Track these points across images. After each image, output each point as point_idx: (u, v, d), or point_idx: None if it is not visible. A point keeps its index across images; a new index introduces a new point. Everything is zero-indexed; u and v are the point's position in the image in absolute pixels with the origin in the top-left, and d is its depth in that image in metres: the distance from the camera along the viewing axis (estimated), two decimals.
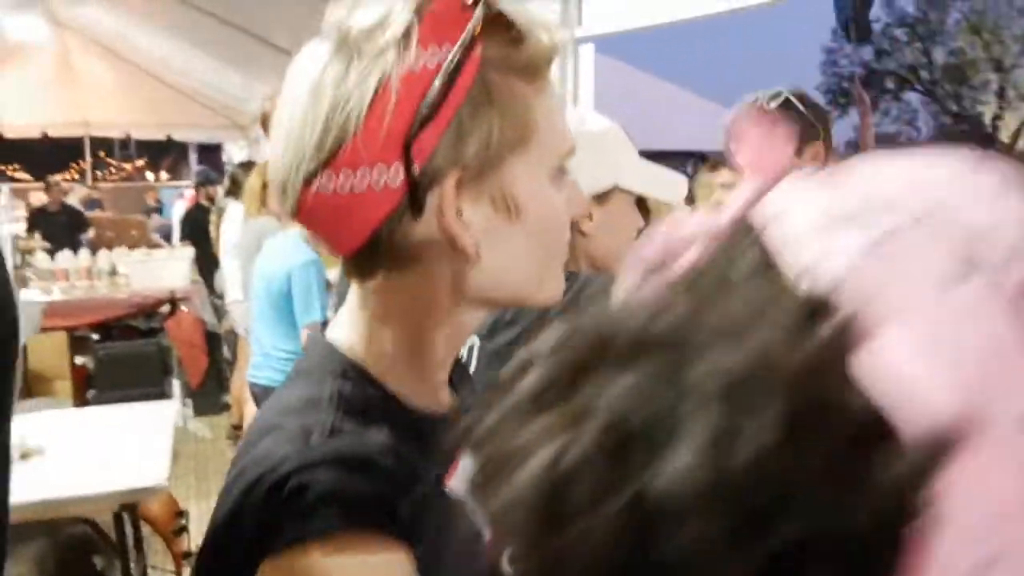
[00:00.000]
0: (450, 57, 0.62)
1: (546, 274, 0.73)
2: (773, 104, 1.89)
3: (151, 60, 9.67)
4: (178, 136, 12.89)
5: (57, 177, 13.09)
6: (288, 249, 3.05)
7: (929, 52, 25.10)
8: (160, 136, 12.41)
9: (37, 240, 7.97)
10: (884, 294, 0.31)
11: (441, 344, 0.73)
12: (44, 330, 4.73)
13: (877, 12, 25.09)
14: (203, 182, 8.35)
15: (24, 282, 5.39)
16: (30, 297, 5.04)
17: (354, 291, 0.73)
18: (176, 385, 5.41)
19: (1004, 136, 22.90)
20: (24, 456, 2.37)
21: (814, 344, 0.30)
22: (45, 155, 16.10)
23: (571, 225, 1.14)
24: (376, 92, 0.62)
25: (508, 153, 0.66)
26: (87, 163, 13.79)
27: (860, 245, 0.32)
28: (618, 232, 1.25)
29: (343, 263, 0.71)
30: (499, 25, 0.64)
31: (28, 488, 2.22)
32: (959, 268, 0.31)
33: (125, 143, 12.49)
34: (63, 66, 10.32)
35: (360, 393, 0.68)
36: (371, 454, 0.62)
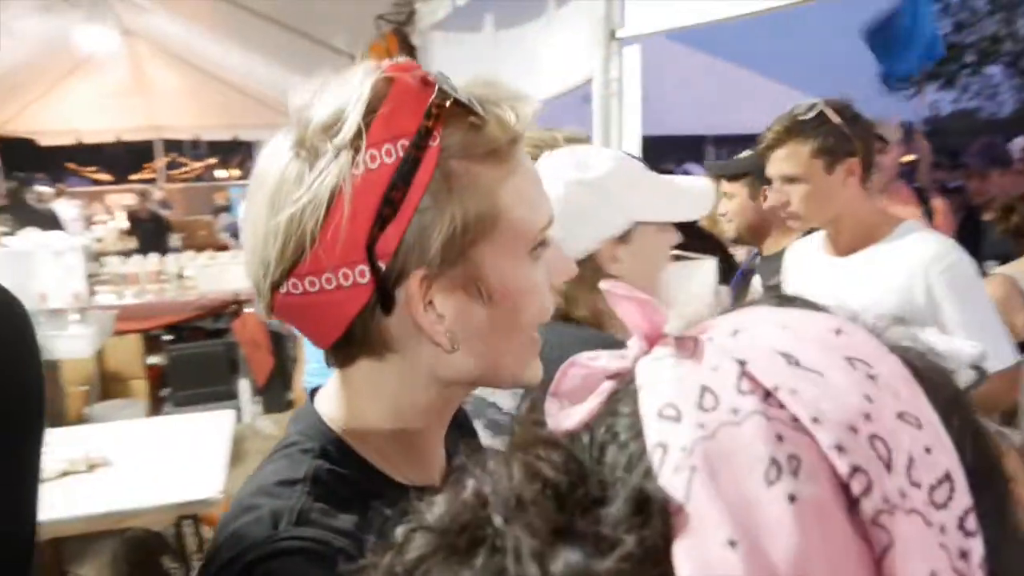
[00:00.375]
0: (405, 154, 0.61)
1: (526, 353, 0.72)
2: (808, 115, 1.83)
3: (216, 64, 9.93)
4: (244, 136, 13.21)
5: (134, 178, 13.55)
6: None
7: (1012, 22, 23.94)
8: (227, 137, 12.75)
9: (110, 244, 8.28)
10: (704, 493, 0.33)
11: (427, 421, 0.73)
12: (118, 333, 4.92)
13: None
14: None
15: (94, 287, 5.62)
16: (104, 301, 5.27)
17: (339, 371, 0.73)
18: (243, 384, 5.57)
19: None
20: (91, 468, 2.49)
21: (631, 549, 0.32)
22: (120, 158, 16.68)
23: (600, 273, 1.15)
24: (332, 199, 0.61)
25: (476, 241, 0.65)
26: (159, 164, 14.25)
27: (689, 440, 0.34)
28: (650, 260, 1.23)
29: (324, 352, 0.71)
30: (458, 112, 0.63)
31: (92, 499, 2.34)
32: (773, 473, 0.32)
33: (195, 144, 12.81)
34: (134, 73, 10.69)
35: (338, 473, 0.69)
36: (334, 543, 0.62)
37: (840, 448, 0.33)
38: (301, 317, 0.67)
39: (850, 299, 1.50)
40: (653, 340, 0.40)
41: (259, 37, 7.75)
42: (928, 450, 0.35)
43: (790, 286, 2.12)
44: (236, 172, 23.83)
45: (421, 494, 0.71)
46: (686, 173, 8.39)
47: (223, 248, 8.95)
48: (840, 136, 1.82)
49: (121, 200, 11.32)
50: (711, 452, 0.33)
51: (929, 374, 0.39)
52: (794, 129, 1.84)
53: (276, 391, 5.54)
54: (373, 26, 5.50)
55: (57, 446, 2.60)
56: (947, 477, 0.35)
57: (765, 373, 0.36)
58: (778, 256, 2.39)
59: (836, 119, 1.82)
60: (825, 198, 1.84)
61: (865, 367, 0.36)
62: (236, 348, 5.59)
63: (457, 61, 5.07)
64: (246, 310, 5.54)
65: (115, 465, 2.62)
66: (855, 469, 0.33)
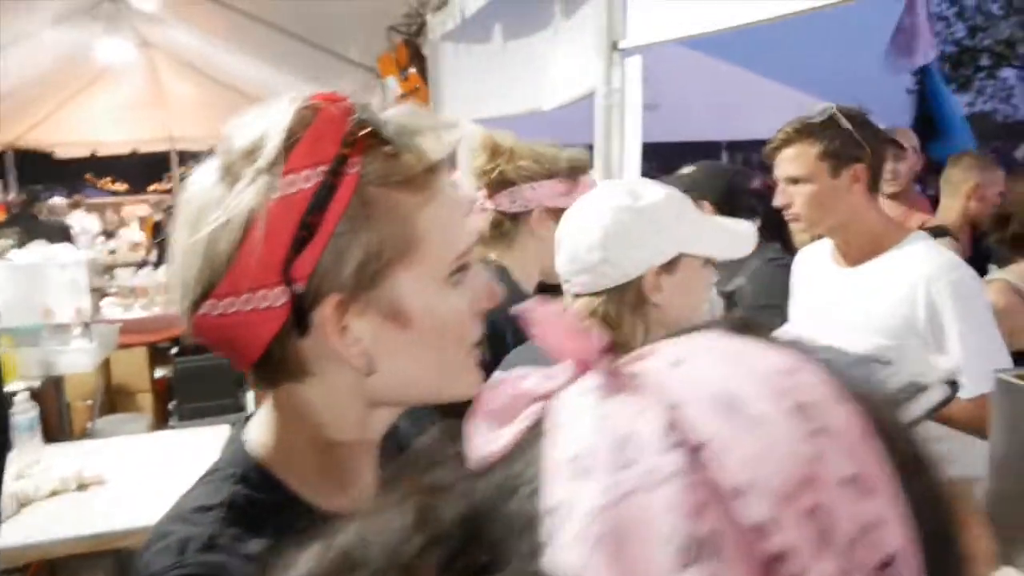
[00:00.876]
0: (323, 180, 0.63)
1: (452, 371, 0.72)
2: (819, 118, 1.82)
3: (231, 76, 10.01)
4: None
5: (151, 189, 13.64)
6: None
7: None
8: None
9: (122, 256, 8.33)
10: (604, 572, 0.29)
11: (353, 444, 0.74)
12: (124, 346, 4.93)
13: None
14: None
15: (100, 299, 5.64)
16: (110, 314, 5.29)
17: (266, 398, 0.75)
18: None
19: None
20: (82, 487, 2.47)
21: None
22: (136, 169, 16.83)
23: (643, 300, 1.16)
24: (248, 222, 0.63)
25: (392, 267, 0.66)
26: (175, 175, 14.36)
27: (596, 504, 0.31)
28: (691, 294, 1.24)
29: (247, 374, 0.73)
30: (377, 140, 0.65)
31: (80, 521, 2.28)
32: (687, 554, 0.29)
33: (211, 155, 12.86)
34: (151, 85, 10.80)
35: (255, 499, 0.70)
36: (235, 571, 0.64)
37: (771, 524, 0.29)
38: (220, 338, 0.68)
39: (855, 311, 1.49)
40: (585, 367, 0.36)
41: (274, 48, 7.81)
42: (875, 524, 0.31)
43: (797, 294, 2.09)
44: None
45: (332, 521, 0.71)
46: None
47: None
48: (849, 141, 1.80)
49: (136, 211, 11.38)
50: (619, 522, 0.30)
51: (891, 427, 0.35)
52: (803, 130, 1.84)
53: None
54: (384, 37, 5.52)
55: (56, 462, 2.59)
56: (893, 559, 0.31)
57: (698, 422, 0.32)
58: (728, 264, 2.41)
59: (846, 124, 1.81)
60: (828, 202, 1.83)
61: (816, 417, 0.32)
62: None
63: (466, 71, 5.08)
64: None
65: (110, 483, 2.59)
66: (785, 552, 0.29)
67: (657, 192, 1.21)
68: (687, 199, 1.26)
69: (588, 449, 0.32)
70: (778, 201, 1.90)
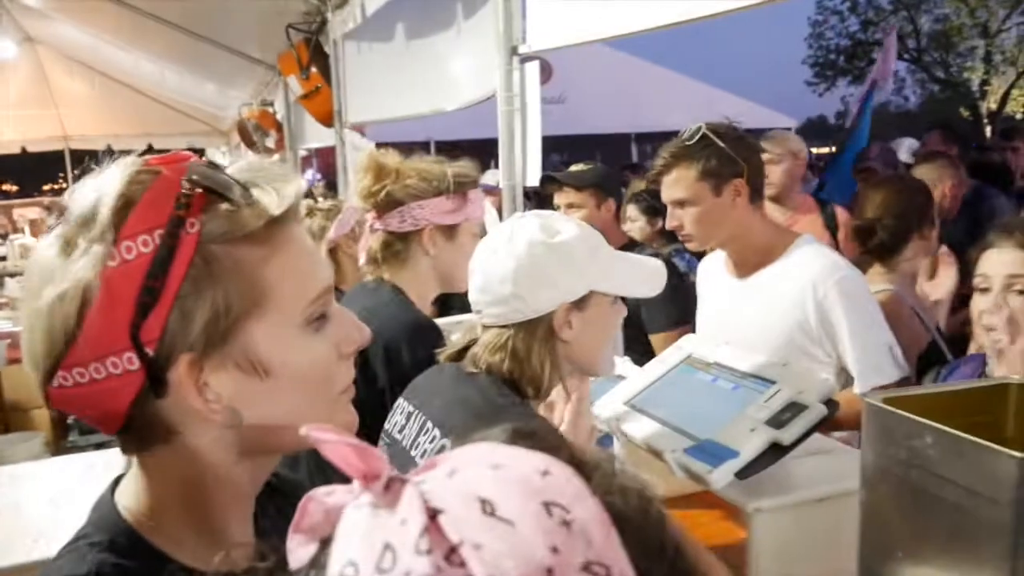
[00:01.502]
0: (161, 243, 0.63)
1: (322, 415, 0.72)
2: (692, 140, 1.87)
3: (127, 73, 9.65)
4: (159, 144, 12.83)
5: (44, 189, 13.05)
6: None
7: (915, 20, 24.91)
8: (141, 145, 12.31)
9: (9, 264, 7.91)
10: None
11: (228, 500, 0.74)
12: (14, 361, 4.69)
13: None
14: None
15: None
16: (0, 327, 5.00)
17: (136, 459, 0.73)
18: None
19: (992, 102, 22.78)
20: None
21: None
22: (30, 169, 16.07)
23: (552, 335, 1.16)
24: (85, 293, 0.62)
25: (242, 320, 0.66)
26: (68, 175, 13.76)
27: None
28: (600, 330, 1.24)
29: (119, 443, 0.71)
30: (215, 198, 0.65)
31: None
32: None
33: (110, 153, 12.39)
34: (38, 82, 10.29)
35: (124, 567, 0.69)
36: None
37: None
38: (80, 408, 0.67)
39: (750, 321, 1.52)
40: (369, 481, 0.38)
41: (169, 45, 7.54)
42: None
43: (701, 304, 2.15)
44: None
45: None
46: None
47: None
48: (724, 158, 1.85)
49: (27, 214, 10.84)
50: None
51: (634, 517, 0.38)
52: (680, 154, 1.88)
53: None
54: (284, 35, 5.39)
55: None
56: None
57: (455, 525, 0.35)
58: None
59: (719, 142, 1.86)
60: (716, 219, 1.88)
61: (561, 512, 0.35)
62: None
63: (369, 70, 5.01)
64: None
65: None
66: None
67: (572, 229, 1.21)
68: (599, 236, 1.26)
69: (354, 559, 0.35)
70: (669, 224, 1.95)
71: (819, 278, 1.79)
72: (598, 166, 2.80)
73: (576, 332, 1.19)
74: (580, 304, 1.20)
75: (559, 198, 2.73)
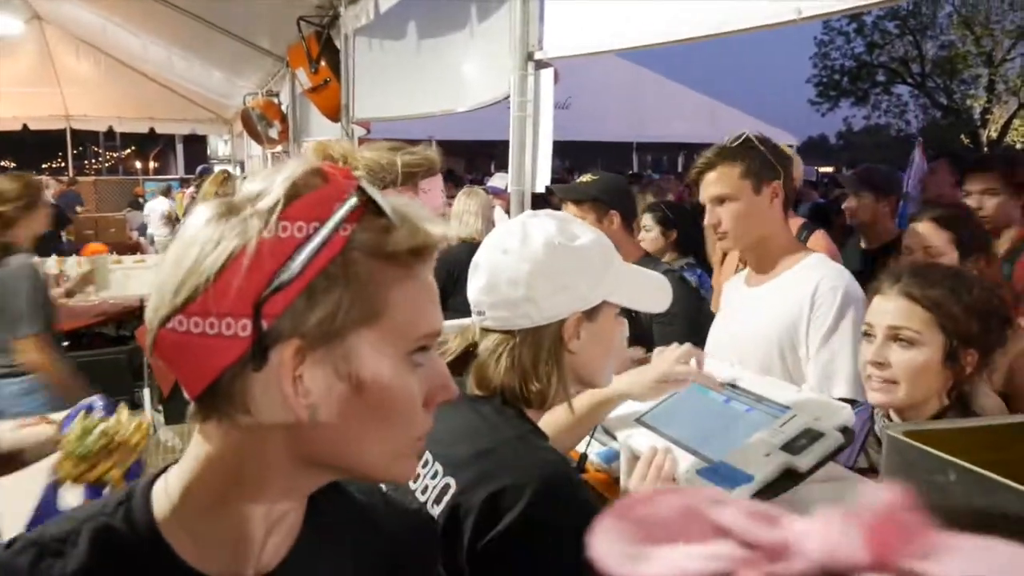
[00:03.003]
0: (313, 233, 0.67)
1: (392, 451, 0.74)
2: (735, 143, 1.95)
3: (133, 56, 9.62)
4: (161, 129, 12.82)
5: (43, 168, 12.98)
6: None
7: (920, 45, 25.02)
8: (143, 128, 12.35)
9: None
10: None
11: (260, 510, 0.74)
12: None
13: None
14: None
15: None
16: None
17: (197, 434, 0.75)
18: (147, 393, 5.36)
19: (992, 131, 22.89)
20: None
21: None
22: (31, 147, 16.01)
23: (561, 345, 1.12)
24: (233, 252, 0.66)
25: (354, 329, 0.69)
26: (69, 154, 13.69)
27: None
28: (605, 343, 1.18)
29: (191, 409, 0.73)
30: (374, 215, 0.69)
31: None
32: None
33: (109, 135, 12.41)
34: (43, 61, 10.26)
35: (114, 536, 0.72)
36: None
37: None
38: (178, 357, 0.70)
39: (757, 324, 1.51)
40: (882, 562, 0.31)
41: (179, 31, 7.51)
42: None
43: (718, 318, 2.18)
44: (153, 165, 23.16)
45: None
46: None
47: (134, 248, 8.62)
48: (764, 160, 1.93)
49: None
50: None
51: None
52: (723, 153, 1.96)
53: (181, 401, 5.32)
54: (295, 27, 5.37)
55: None
56: None
57: None
58: None
59: (760, 147, 1.95)
60: (753, 217, 1.94)
61: None
62: (140, 357, 5.37)
63: (380, 67, 5.00)
64: None
65: None
66: None
67: (589, 234, 1.15)
68: (611, 244, 1.21)
69: None
70: (708, 220, 2.00)
71: (824, 280, 1.86)
72: (603, 177, 2.72)
73: (583, 343, 1.13)
74: (591, 314, 1.13)
75: (564, 210, 2.71)
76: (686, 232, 3.75)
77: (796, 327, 1.85)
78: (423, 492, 1.09)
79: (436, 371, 0.75)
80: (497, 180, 5.82)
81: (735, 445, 1.16)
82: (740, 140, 1.96)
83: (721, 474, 1.12)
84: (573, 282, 1.11)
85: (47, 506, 1.16)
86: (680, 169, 23.82)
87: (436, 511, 1.06)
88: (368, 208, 0.69)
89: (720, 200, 1.94)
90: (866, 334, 1.47)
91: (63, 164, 12.89)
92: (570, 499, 1.00)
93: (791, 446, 1.11)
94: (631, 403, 1.43)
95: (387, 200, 0.71)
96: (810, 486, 1.12)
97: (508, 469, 1.02)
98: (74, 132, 12.27)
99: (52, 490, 1.17)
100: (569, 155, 17.86)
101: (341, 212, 0.68)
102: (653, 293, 1.26)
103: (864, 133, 28.57)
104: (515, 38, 2.96)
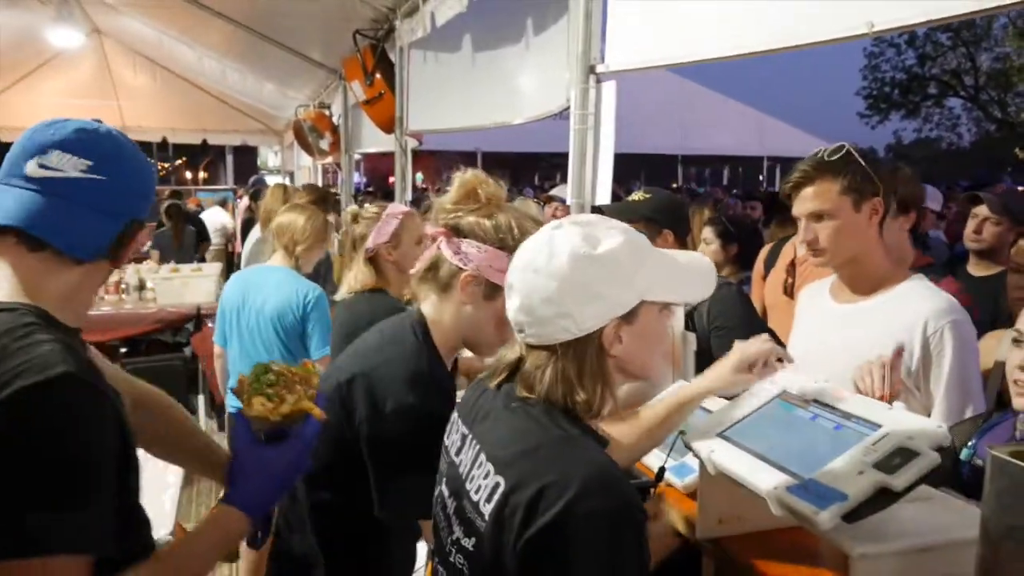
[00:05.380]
0: None
1: None
2: (835, 157, 1.86)
3: (187, 68, 9.83)
4: (213, 140, 13.09)
5: None
6: (292, 282, 3.13)
7: (974, 57, 24.55)
8: (196, 139, 12.61)
9: None
10: None
11: None
12: None
13: None
14: (257, 193, 7.55)
15: None
16: None
17: None
18: (201, 400, 5.46)
19: None
20: None
21: None
22: None
23: (603, 353, 1.11)
24: None
25: None
26: None
27: None
28: (650, 340, 1.16)
29: None
30: None
31: None
32: None
33: (162, 146, 12.69)
34: (102, 73, 10.54)
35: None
36: None
37: None
38: None
39: (854, 346, 1.49)
40: None
41: (233, 44, 7.68)
42: None
43: (798, 330, 2.12)
44: (203, 175, 23.59)
45: None
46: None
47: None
48: (865, 176, 1.85)
49: None
50: None
51: None
52: (823, 168, 1.87)
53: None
54: (350, 40, 5.45)
55: None
56: None
57: None
58: None
59: (860, 160, 1.86)
60: (851, 235, 1.87)
61: None
62: (195, 363, 5.48)
63: (434, 80, 5.05)
64: (208, 324, 5.43)
65: None
66: None
67: (615, 236, 1.13)
68: (644, 239, 1.18)
69: None
70: (803, 237, 1.93)
71: (933, 315, 1.79)
72: (656, 195, 2.65)
73: (627, 346, 1.12)
74: (629, 317, 1.12)
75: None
76: (746, 246, 3.71)
77: (905, 361, 1.78)
78: (476, 492, 1.12)
79: None
80: (558, 191, 5.81)
81: (825, 462, 1.15)
82: (841, 153, 1.86)
83: (812, 491, 1.11)
84: (605, 290, 1.10)
85: (244, 445, 1.22)
86: (725, 182, 23.66)
87: (488, 509, 1.07)
88: None
89: (818, 216, 1.87)
90: (1016, 340, 1.45)
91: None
92: (614, 495, 1.00)
93: (885, 465, 1.09)
94: (711, 418, 1.41)
95: None
96: (904, 506, 1.10)
97: (553, 466, 1.03)
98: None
99: (247, 434, 1.22)
100: (613, 167, 17.83)
101: None
102: (694, 282, 1.23)
103: (915, 147, 28.04)
104: (577, 51, 2.97)
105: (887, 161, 2.95)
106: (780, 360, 1.42)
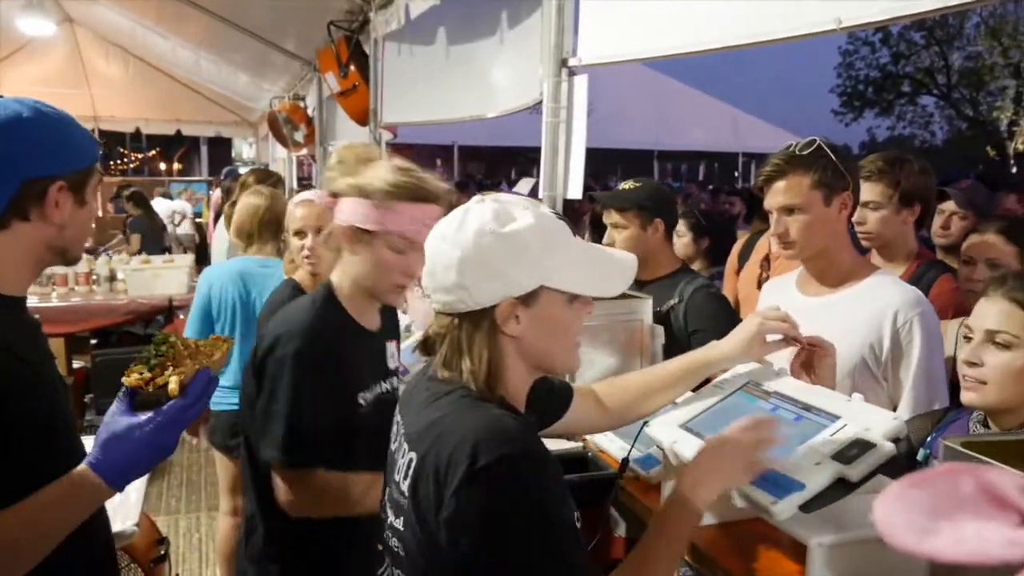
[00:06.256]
0: None
1: None
2: (806, 151, 1.89)
3: (161, 58, 9.72)
4: (187, 131, 12.96)
5: None
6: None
7: (946, 56, 24.80)
8: (169, 130, 12.49)
9: None
10: None
11: None
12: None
13: None
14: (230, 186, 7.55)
15: None
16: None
17: None
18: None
19: (1019, 143, 22.65)
20: None
21: None
22: None
23: (495, 327, 1.12)
24: None
25: None
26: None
27: None
28: (555, 329, 1.17)
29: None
30: None
31: None
32: None
33: (136, 136, 12.56)
34: (73, 62, 10.40)
35: None
36: None
37: None
38: None
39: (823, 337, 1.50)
40: None
41: (207, 34, 7.59)
42: None
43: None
44: (177, 166, 23.34)
45: None
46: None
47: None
48: (836, 171, 1.87)
49: None
50: None
51: None
52: (795, 162, 1.90)
53: None
54: (324, 31, 5.42)
55: None
56: None
57: None
58: (662, 286, 2.51)
59: (832, 155, 1.89)
60: (820, 229, 1.90)
61: None
62: None
63: (409, 72, 5.03)
64: (179, 316, 5.37)
65: None
66: None
67: (527, 218, 1.14)
68: (562, 228, 1.19)
69: None
70: (774, 231, 1.96)
71: (902, 306, 1.83)
72: (647, 184, 2.69)
73: (524, 328, 1.14)
74: (528, 300, 1.13)
75: (606, 217, 2.69)
76: (718, 241, 3.73)
77: (872, 346, 1.83)
78: (398, 472, 1.16)
79: None
80: (521, 186, 5.83)
81: (784, 453, 1.16)
82: (812, 148, 1.89)
83: (771, 481, 1.12)
84: (503, 268, 1.12)
85: (114, 413, 1.18)
86: (701, 177, 23.78)
87: (406, 485, 1.11)
88: None
89: (789, 210, 1.90)
90: (965, 337, 1.48)
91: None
92: (511, 441, 1.03)
93: (842, 456, 1.10)
94: (675, 410, 1.43)
95: None
96: (860, 496, 1.12)
97: (454, 431, 1.06)
98: (101, 133, 12.39)
99: (124, 398, 1.18)
100: (590, 162, 17.84)
101: None
102: (605, 277, 1.22)
103: (888, 144, 28.30)
104: (549, 44, 2.97)
105: (890, 158, 2.91)
106: (795, 340, 1.48)
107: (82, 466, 1.14)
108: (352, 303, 1.66)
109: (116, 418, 1.16)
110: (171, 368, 1.19)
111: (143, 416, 1.15)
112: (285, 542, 1.62)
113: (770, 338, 1.48)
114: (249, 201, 3.22)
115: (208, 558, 3.94)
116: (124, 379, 1.18)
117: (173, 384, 1.16)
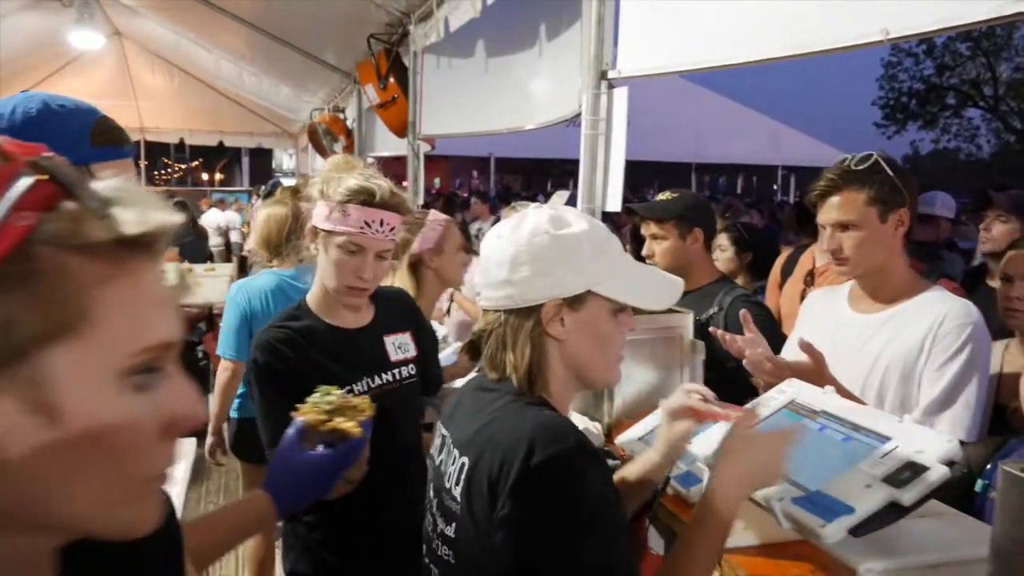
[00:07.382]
0: None
1: (113, 499, 0.57)
2: (862, 166, 1.84)
3: (204, 70, 9.91)
4: (229, 142, 13.18)
5: None
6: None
7: (994, 67, 24.36)
8: (212, 141, 12.71)
9: None
10: None
11: None
12: None
13: None
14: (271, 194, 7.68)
15: None
16: None
17: None
18: (211, 399, 5.46)
19: None
20: None
21: None
22: None
23: (539, 326, 1.13)
24: None
25: (41, 344, 0.53)
26: (140, 165, 14.13)
27: None
28: (598, 337, 1.17)
29: None
30: (69, 196, 0.55)
31: None
32: None
33: (180, 147, 12.80)
34: (122, 74, 10.64)
35: None
36: None
37: None
38: None
39: (871, 353, 1.45)
40: None
41: (250, 47, 7.73)
42: None
43: (806, 333, 2.08)
44: (219, 177, 23.75)
45: None
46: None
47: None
48: (892, 186, 1.82)
49: None
50: None
51: None
52: (850, 177, 1.85)
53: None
54: (364, 44, 5.47)
55: None
56: None
57: None
58: (703, 295, 2.48)
59: (888, 170, 1.83)
60: (876, 246, 1.85)
61: None
62: (207, 363, 5.49)
63: (448, 84, 5.05)
64: (220, 324, 5.44)
65: None
66: None
67: (582, 224, 1.17)
68: (615, 240, 1.20)
69: None
70: (827, 246, 1.91)
71: (951, 315, 1.77)
72: (684, 195, 2.67)
73: (568, 332, 1.15)
74: (574, 303, 1.15)
75: (645, 228, 2.67)
76: (761, 256, 3.67)
77: (914, 359, 1.76)
78: (449, 480, 1.16)
79: (175, 392, 0.59)
80: (556, 199, 5.81)
81: (832, 474, 1.13)
82: (868, 162, 1.84)
83: (817, 504, 1.09)
84: (553, 269, 1.14)
85: (288, 447, 1.30)
86: (739, 190, 23.55)
87: (458, 491, 1.12)
88: (63, 192, 0.54)
89: (843, 226, 1.84)
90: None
91: (136, 174, 13.32)
92: (562, 440, 1.03)
93: (894, 479, 1.07)
94: (718, 426, 1.39)
95: (76, 176, 0.56)
96: (911, 521, 1.08)
97: (505, 434, 1.07)
98: (147, 144, 12.66)
99: (293, 439, 1.30)
100: (627, 174, 17.80)
101: (10, 196, 0.52)
102: (652, 291, 1.23)
103: (932, 157, 27.85)
104: (588, 56, 2.95)
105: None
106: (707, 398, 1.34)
107: (260, 491, 1.25)
108: (323, 305, 1.77)
109: (289, 450, 1.29)
110: (335, 417, 1.33)
111: (314, 454, 1.28)
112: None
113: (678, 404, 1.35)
114: (275, 211, 3.22)
115: (243, 562, 3.98)
116: (299, 415, 1.32)
117: (355, 430, 1.31)
